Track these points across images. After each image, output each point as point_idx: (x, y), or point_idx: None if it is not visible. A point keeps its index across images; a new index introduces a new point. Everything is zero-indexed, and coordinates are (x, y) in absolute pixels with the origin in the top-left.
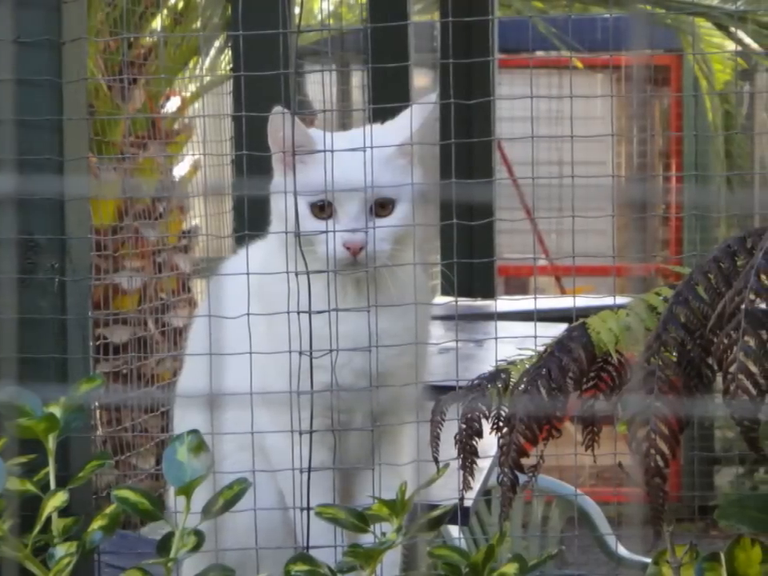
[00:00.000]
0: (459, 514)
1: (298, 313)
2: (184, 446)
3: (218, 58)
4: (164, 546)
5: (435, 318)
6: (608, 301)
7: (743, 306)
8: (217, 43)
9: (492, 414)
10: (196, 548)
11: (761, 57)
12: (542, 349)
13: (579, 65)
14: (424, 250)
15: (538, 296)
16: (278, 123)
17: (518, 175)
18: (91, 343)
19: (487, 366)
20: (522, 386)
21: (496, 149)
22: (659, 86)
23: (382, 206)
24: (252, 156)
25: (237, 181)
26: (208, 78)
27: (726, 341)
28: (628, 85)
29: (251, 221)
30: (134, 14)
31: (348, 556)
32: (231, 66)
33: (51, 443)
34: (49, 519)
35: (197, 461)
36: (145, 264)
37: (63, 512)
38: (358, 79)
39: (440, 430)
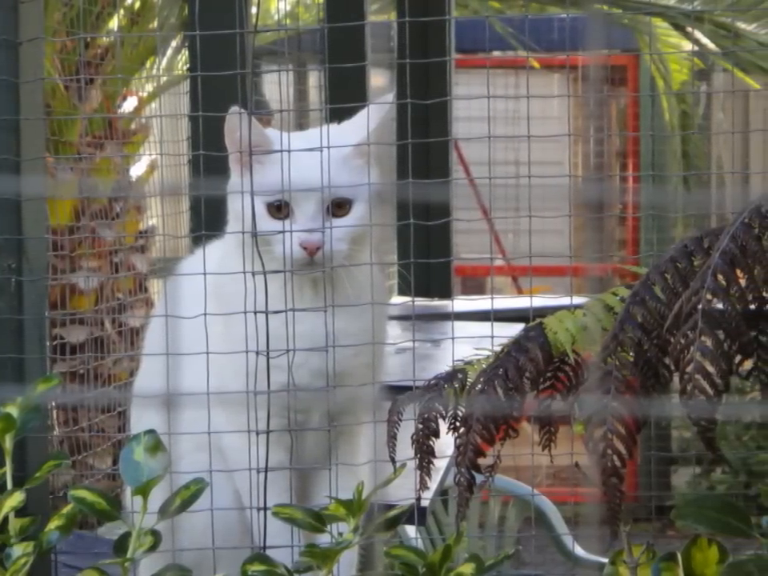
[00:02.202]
0: (416, 514)
1: (255, 313)
2: (141, 446)
3: (174, 58)
4: (121, 545)
5: (392, 317)
6: (565, 301)
7: (700, 306)
8: (173, 43)
9: (449, 414)
10: (153, 548)
11: (717, 57)
12: (498, 349)
13: (536, 65)
14: (381, 250)
15: (494, 296)
16: (235, 123)
17: (474, 175)
18: (48, 343)
19: (444, 366)
20: (479, 386)
21: (453, 149)
22: (616, 86)
23: (339, 206)
24: (209, 156)
25: (194, 181)
26: (165, 78)
27: (682, 341)
28: (585, 85)
29: (208, 221)
30: (91, 13)
31: (305, 556)
32: (188, 66)
33: (8, 443)
34: (6, 519)
35: (154, 461)
36: (102, 264)
37: (20, 512)
38: (314, 79)
39: (397, 429)
